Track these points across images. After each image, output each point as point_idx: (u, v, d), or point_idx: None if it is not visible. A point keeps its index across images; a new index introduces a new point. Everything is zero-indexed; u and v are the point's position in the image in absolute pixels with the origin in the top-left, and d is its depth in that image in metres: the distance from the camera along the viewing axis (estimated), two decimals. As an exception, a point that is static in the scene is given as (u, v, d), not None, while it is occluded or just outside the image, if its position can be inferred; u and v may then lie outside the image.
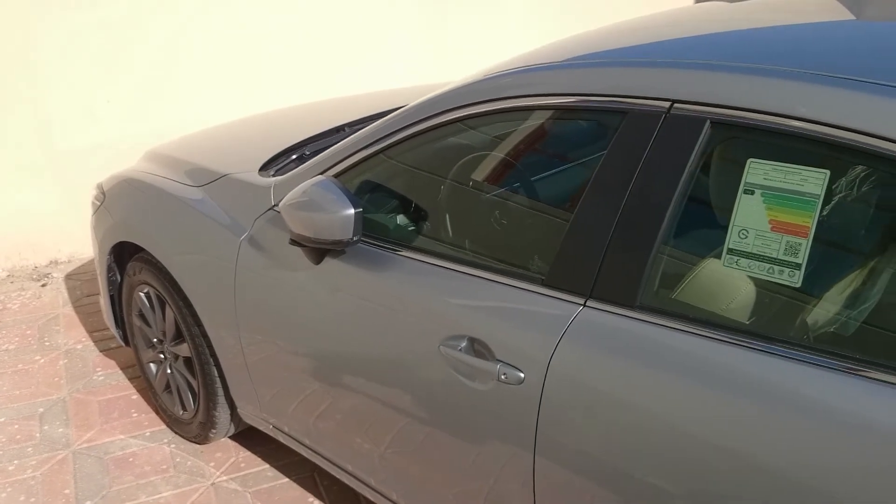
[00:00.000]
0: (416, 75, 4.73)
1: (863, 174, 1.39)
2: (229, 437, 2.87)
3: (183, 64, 4.35)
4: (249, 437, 2.85)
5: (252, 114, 3.40)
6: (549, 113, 1.83)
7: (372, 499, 2.22)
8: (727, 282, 1.48)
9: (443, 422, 1.85)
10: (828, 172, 1.36)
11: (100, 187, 2.97)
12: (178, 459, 2.78)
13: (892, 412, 1.21)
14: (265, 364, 2.33)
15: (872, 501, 1.20)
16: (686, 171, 1.49)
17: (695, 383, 1.42)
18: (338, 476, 2.30)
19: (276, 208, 2.22)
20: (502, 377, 1.67)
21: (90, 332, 3.63)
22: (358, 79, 4.74)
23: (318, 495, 2.60)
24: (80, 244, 4.23)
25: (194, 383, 2.71)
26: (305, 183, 2.01)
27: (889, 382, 1.23)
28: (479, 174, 1.99)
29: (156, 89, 4.32)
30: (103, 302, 3.07)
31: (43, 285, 4.11)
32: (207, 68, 4.41)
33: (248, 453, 2.81)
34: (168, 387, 2.88)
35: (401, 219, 2.06)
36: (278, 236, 2.17)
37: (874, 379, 1.24)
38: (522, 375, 1.64)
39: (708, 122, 1.48)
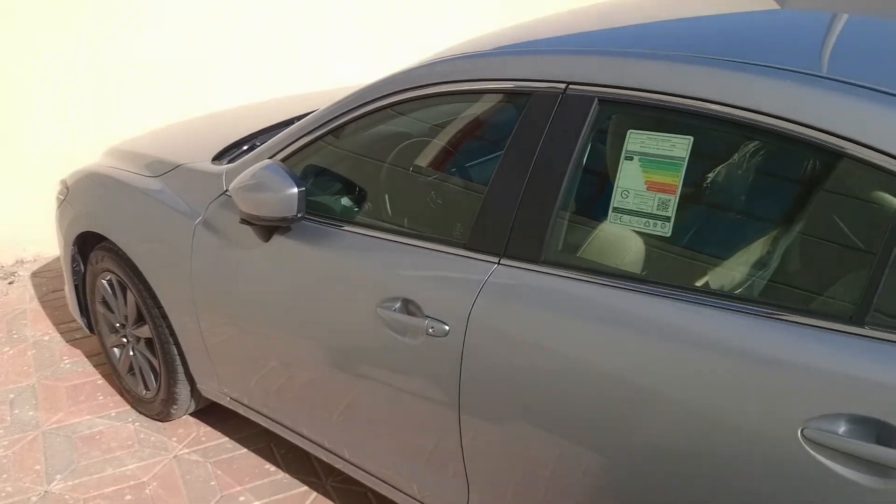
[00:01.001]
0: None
1: (720, 138, 1.62)
2: (190, 415, 3.05)
3: (142, 66, 4.52)
4: (210, 414, 3.04)
5: (209, 112, 3.59)
6: (470, 97, 2.05)
7: (326, 460, 2.41)
8: (615, 236, 1.71)
9: (382, 378, 2.06)
10: (691, 138, 1.60)
11: (63, 183, 3.14)
12: (142, 436, 2.96)
13: (751, 338, 1.44)
14: (222, 340, 2.53)
15: (744, 411, 1.44)
16: (579, 142, 1.73)
17: (592, 324, 1.64)
18: (295, 442, 2.49)
19: (227, 193, 2.42)
20: (430, 330, 1.88)
21: (56, 324, 3.79)
22: (320, 78, 4.95)
23: (274, 462, 2.79)
24: (46, 244, 4.38)
25: (155, 363, 2.89)
26: (253, 166, 2.22)
27: (749, 313, 1.46)
28: (411, 154, 2.21)
29: (115, 93, 4.49)
30: (68, 291, 3.24)
31: (10, 283, 4.25)
32: (162, 74, 4.59)
33: (209, 428, 3.00)
34: (131, 369, 3.06)
35: (342, 197, 2.27)
36: (230, 218, 2.37)
37: (739, 311, 1.47)
38: (447, 328, 1.86)
39: (596, 99, 1.72)
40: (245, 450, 2.87)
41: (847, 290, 1.41)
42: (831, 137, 1.41)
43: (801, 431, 1.36)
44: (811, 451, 1.36)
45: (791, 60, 1.53)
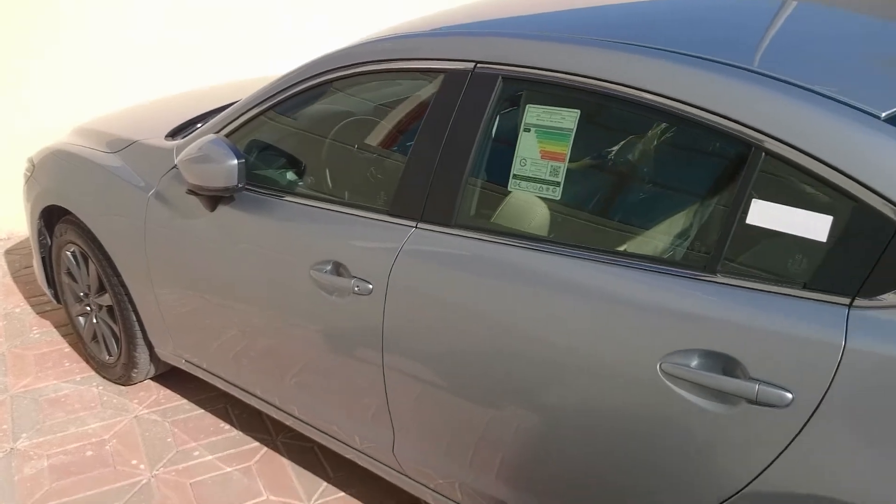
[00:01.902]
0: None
1: (604, 111, 1.80)
2: (151, 379, 3.23)
3: (105, 51, 4.66)
4: (170, 378, 3.22)
5: (171, 94, 3.75)
6: (393, 75, 2.22)
7: (277, 417, 2.59)
8: (516, 200, 1.90)
9: (318, 337, 2.23)
10: (579, 111, 1.78)
11: (30, 160, 3.30)
12: (105, 398, 3.14)
13: (620, 285, 1.63)
14: (175, 306, 2.70)
15: (613, 349, 1.63)
16: (485, 116, 1.90)
17: (497, 280, 1.82)
18: (248, 402, 2.67)
19: (176, 166, 2.58)
20: (356, 289, 2.06)
21: (27, 297, 3.95)
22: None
23: (229, 421, 2.98)
24: (18, 222, 4.53)
25: (116, 329, 3.06)
26: (199, 140, 2.39)
27: (621, 264, 1.65)
28: (342, 129, 2.38)
29: (81, 75, 4.63)
30: (36, 264, 3.41)
31: (-18, 260, 4.41)
32: (132, 56, 4.73)
33: (168, 391, 3.17)
34: (95, 336, 3.23)
35: (280, 169, 2.44)
36: (179, 190, 2.54)
37: (614, 263, 1.66)
38: (371, 286, 2.04)
39: (500, 77, 1.89)
40: (201, 410, 3.05)
41: (702, 243, 1.60)
42: (688, 107, 1.59)
43: (660, 366, 1.55)
44: (668, 383, 1.55)
45: (664, 41, 1.71)
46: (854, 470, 1.36)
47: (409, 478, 2.24)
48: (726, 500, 1.52)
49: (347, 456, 2.41)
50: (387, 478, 2.32)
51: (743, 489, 1.49)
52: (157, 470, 2.73)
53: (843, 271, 1.40)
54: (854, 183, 1.40)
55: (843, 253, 1.41)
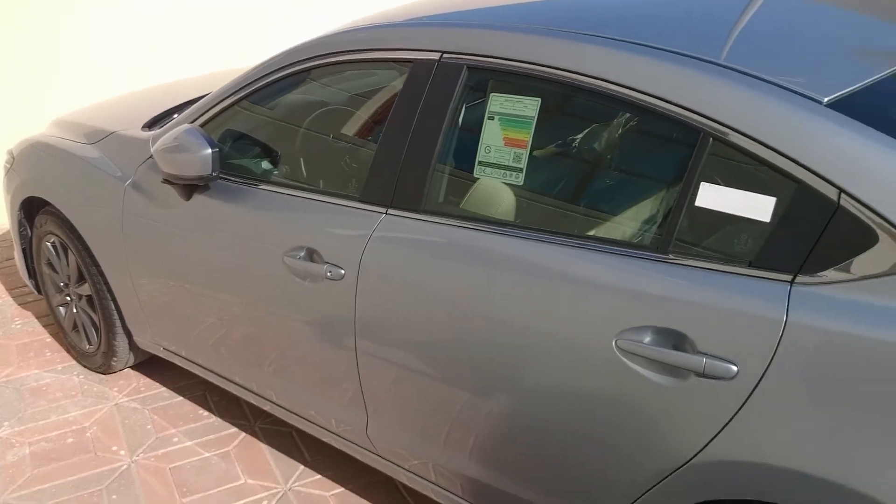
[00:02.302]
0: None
1: (563, 100, 1.87)
2: (131, 368, 3.27)
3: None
4: (149, 367, 3.26)
5: (150, 85, 3.79)
6: (365, 65, 2.27)
7: (255, 403, 2.65)
8: (482, 186, 1.96)
9: (292, 322, 2.29)
10: (540, 100, 1.84)
11: (10, 153, 3.33)
12: (85, 387, 3.18)
13: (580, 266, 1.69)
14: (152, 294, 2.75)
15: (573, 326, 1.70)
16: (451, 104, 1.96)
17: (464, 264, 1.88)
18: (227, 388, 2.72)
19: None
20: (328, 275, 2.12)
21: (9, 289, 3.98)
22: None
23: (207, 408, 3.03)
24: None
25: (96, 319, 3.10)
26: (174, 130, 2.44)
27: (581, 247, 1.71)
28: (316, 118, 2.43)
29: (55, 68, 4.66)
30: (17, 255, 3.44)
31: (-37, 252, 4.44)
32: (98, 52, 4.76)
33: (148, 379, 3.22)
34: (76, 326, 3.27)
35: (255, 158, 2.49)
36: (155, 180, 2.59)
37: (584, 247, 1.72)
38: (343, 271, 2.09)
39: (465, 67, 1.95)
40: (181, 398, 3.10)
41: (656, 225, 1.67)
42: (641, 95, 1.66)
43: (616, 343, 1.62)
44: (623, 359, 1.61)
45: (619, 31, 1.78)
46: (795, 437, 1.43)
47: (383, 458, 2.30)
48: (677, 469, 1.59)
49: (324, 439, 2.47)
50: (362, 459, 2.38)
51: (692, 458, 1.56)
52: (137, 456, 2.78)
53: (785, 250, 1.47)
54: (796, 165, 1.47)
55: (786, 232, 1.48)
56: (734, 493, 1.53)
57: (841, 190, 1.42)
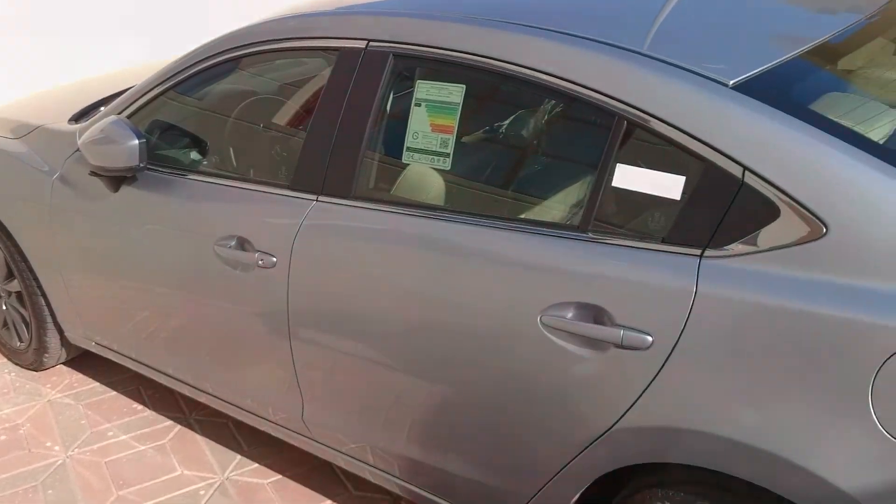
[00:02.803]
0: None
1: (487, 86, 1.92)
2: (63, 364, 3.23)
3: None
4: (82, 363, 3.23)
5: (81, 78, 3.73)
6: (293, 53, 2.29)
7: (191, 395, 2.65)
8: (410, 172, 2.00)
9: (225, 311, 2.30)
10: (464, 86, 1.89)
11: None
12: (17, 384, 3.13)
13: (506, 247, 1.75)
14: (83, 289, 2.72)
15: (501, 303, 1.75)
16: (379, 92, 2.00)
17: (394, 248, 1.92)
18: (161, 381, 2.72)
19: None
20: (260, 263, 2.14)
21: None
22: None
23: (142, 402, 3.01)
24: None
25: (26, 315, 3.06)
26: (100, 122, 2.42)
27: (507, 228, 1.77)
28: (244, 107, 2.44)
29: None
30: (-60, 253, 3.36)
31: None
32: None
33: (81, 375, 3.19)
34: (6, 323, 3.21)
35: (183, 148, 2.49)
36: (83, 172, 2.56)
37: (509, 228, 1.78)
38: (275, 259, 2.11)
39: (391, 55, 1.99)
40: (114, 392, 3.08)
41: (576, 206, 1.73)
42: (559, 80, 1.72)
43: (540, 319, 1.68)
44: (547, 334, 1.68)
45: (539, 19, 1.84)
46: (707, 401, 1.51)
47: (320, 443, 2.33)
48: (600, 437, 1.66)
49: (261, 428, 2.49)
50: (299, 446, 2.41)
51: (614, 426, 1.63)
52: (72, 451, 2.75)
53: (695, 226, 1.55)
54: (703, 146, 1.55)
55: (695, 209, 1.56)
56: (654, 457, 1.61)
57: (745, 168, 1.51)
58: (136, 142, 2.31)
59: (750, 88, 1.58)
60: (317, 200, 2.08)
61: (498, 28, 1.85)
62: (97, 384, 3.13)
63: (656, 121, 1.60)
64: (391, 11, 2.04)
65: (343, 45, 2.08)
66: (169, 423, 2.90)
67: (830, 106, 1.63)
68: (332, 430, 2.23)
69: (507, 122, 1.93)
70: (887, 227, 1.39)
